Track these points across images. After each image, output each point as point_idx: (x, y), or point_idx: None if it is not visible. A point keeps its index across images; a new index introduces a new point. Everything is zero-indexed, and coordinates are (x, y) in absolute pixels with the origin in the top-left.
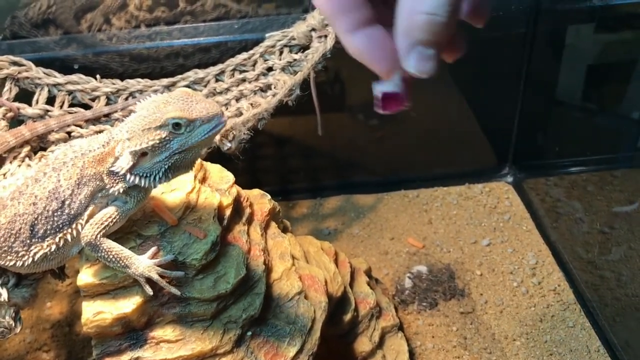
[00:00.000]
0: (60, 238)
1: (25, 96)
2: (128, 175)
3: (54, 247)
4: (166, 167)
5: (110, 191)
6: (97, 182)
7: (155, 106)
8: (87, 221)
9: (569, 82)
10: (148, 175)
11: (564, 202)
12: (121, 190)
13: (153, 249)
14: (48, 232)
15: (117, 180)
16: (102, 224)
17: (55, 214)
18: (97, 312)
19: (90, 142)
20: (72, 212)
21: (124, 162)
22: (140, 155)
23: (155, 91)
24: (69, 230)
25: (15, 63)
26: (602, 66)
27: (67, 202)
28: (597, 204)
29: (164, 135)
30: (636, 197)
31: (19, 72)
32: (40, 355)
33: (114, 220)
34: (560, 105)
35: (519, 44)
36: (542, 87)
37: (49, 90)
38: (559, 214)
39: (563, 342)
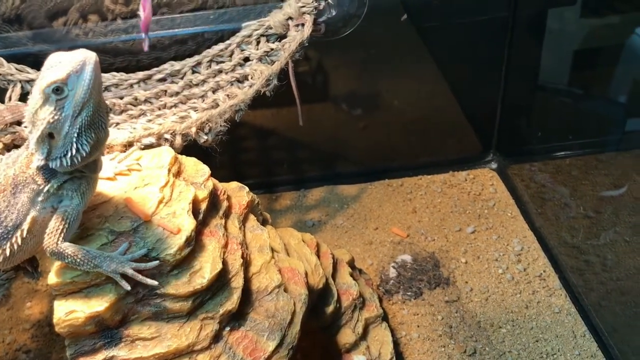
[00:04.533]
0: (1, 251)
1: None
2: (50, 163)
3: (0, 257)
4: (76, 133)
5: (45, 189)
6: (32, 186)
7: (36, 88)
8: (29, 230)
9: (552, 67)
10: (67, 152)
11: (548, 188)
12: (55, 186)
13: (125, 245)
14: None
15: (48, 176)
16: (57, 229)
17: None
18: (70, 312)
19: (21, 149)
20: (10, 224)
21: (39, 153)
22: (49, 138)
23: (131, 85)
24: (8, 244)
25: None
26: (586, 50)
27: (2, 215)
28: (582, 189)
29: (52, 107)
30: (622, 181)
31: None
32: (20, 356)
33: (69, 221)
34: (544, 90)
35: (500, 28)
36: (524, 72)
37: (22, 87)
38: (543, 200)
39: (549, 328)
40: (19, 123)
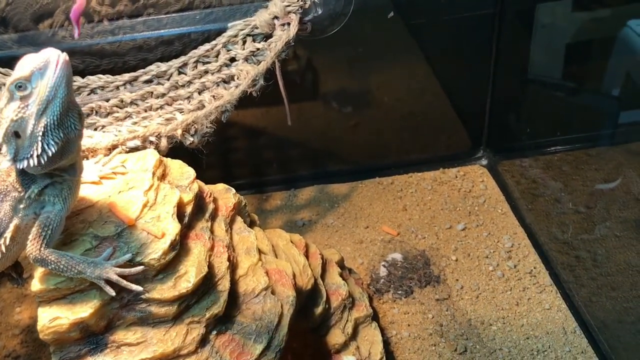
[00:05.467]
0: None
1: None
2: (18, 164)
3: None
4: (42, 132)
5: (26, 196)
6: (13, 194)
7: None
8: (12, 237)
9: (542, 62)
10: (34, 152)
11: (539, 184)
12: (36, 191)
13: (108, 250)
14: None
15: (27, 182)
16: (40, 236)
17: None
18: (54, 318)
19: (0, 157)
20: None
21: (7, 154)
22: (16, 137)
23: (117, 87)
24: None
25: None
26: (576, 44)
27: None
28: (573, 184)
29: (16, 105)
30: (613, 176)
31: None
32: None
33: (52, 228)
34: (533, 85)
35: (488, 23)
36: (513, 67)
37: None
38: (534, 196)
39: (539, 325)
40: None
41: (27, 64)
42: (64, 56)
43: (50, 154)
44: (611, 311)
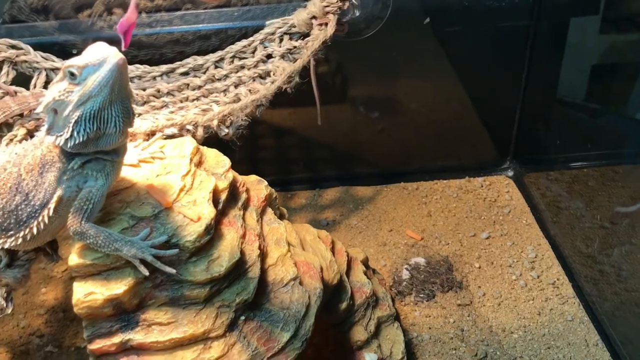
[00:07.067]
0: (29, 230)
1: (23, 80)
2: (48, 137)
3: (29, 236)
4: (74, 120)
5: (69, 166)
6: (58, 164)
7: None
8: (55, 209)
9: (573, 78)
10: (63, 134)
11: (564, 197)
12: (79, 162)
13: (146, 231)
14: (12, 226)
15: (69, 154)
16: (81, 209)
17: (19, 207)
18: (88, 293)
19: None
20: (38, 202)
21: (45, 123)
22: (54, 112)
23: (154, 77)
24: (35, 223)
25: (13, 46)
26: (607, 63)
27: (31, 194)
28: (599, 199)
29: (63, 87)
30: (639, 194)
31: (16, 56)
32: (33, 340)
33: (93, 202)
34: (563, 100)
35: (522, 36)
36: (544, 81)
37: (47, 75)
38: (559, 209)
39: (561, 336)
40: None
41: (90, 53)
42: (122, 60)
43: (77, 141)
44: (635, 326)
